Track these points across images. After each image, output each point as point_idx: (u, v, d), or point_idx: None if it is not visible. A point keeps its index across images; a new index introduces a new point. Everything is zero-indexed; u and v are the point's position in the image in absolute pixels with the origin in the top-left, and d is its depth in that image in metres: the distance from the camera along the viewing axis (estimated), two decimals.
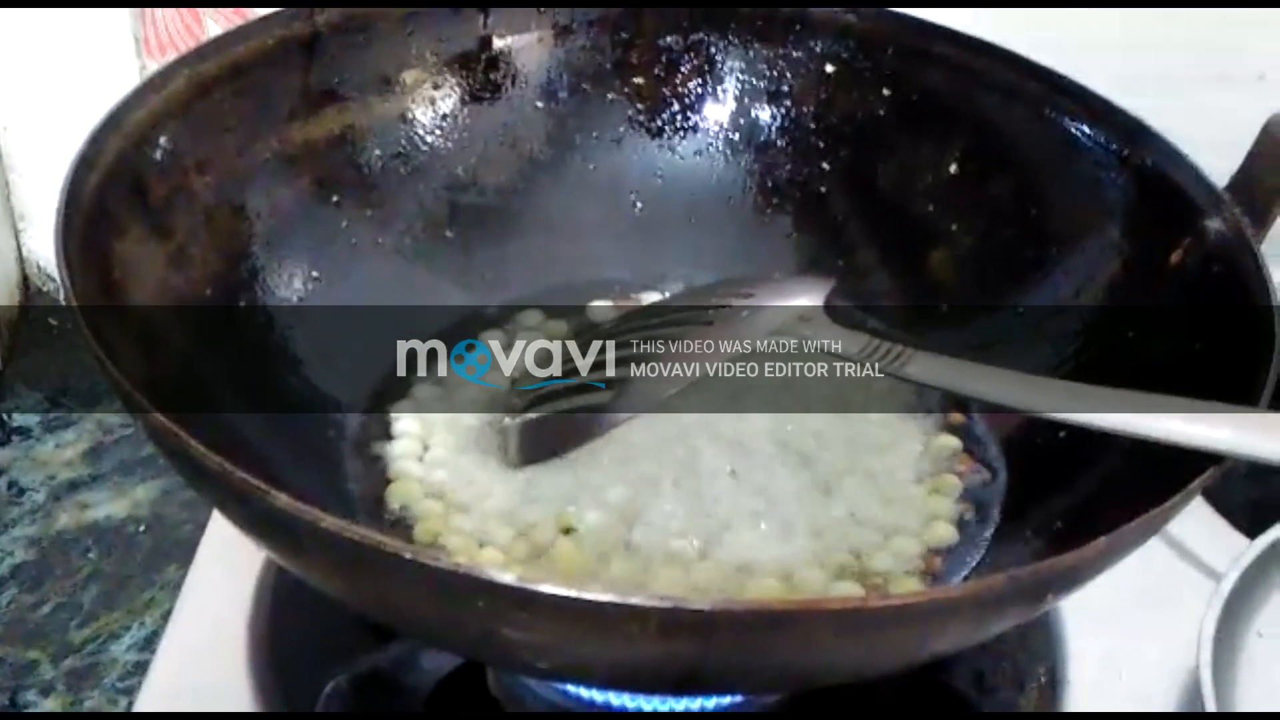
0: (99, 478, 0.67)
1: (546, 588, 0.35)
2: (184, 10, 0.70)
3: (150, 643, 0.58)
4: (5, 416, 0.70)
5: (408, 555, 0.35)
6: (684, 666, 0.38)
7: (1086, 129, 0.55)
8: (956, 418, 0.55)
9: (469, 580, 0.35)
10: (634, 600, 0.35)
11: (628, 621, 0.35)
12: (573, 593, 0.35)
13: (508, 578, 0.35)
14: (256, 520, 0.39)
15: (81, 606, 0.60)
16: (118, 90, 0.50)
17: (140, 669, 0.56)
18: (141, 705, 0.51)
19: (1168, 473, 0.42)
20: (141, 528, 0.64)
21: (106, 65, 0.71)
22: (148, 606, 0.60)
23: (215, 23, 0.70)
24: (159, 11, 0.70)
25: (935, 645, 0.40)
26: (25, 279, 0.76)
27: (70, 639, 0.59)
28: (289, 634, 0.52)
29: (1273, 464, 0.41)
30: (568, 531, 0.49)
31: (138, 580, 0.62)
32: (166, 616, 0.56)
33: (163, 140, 0.49)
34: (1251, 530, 0.55)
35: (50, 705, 0.56)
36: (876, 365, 0.50)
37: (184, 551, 0.60)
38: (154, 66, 0.69)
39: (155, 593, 0.61)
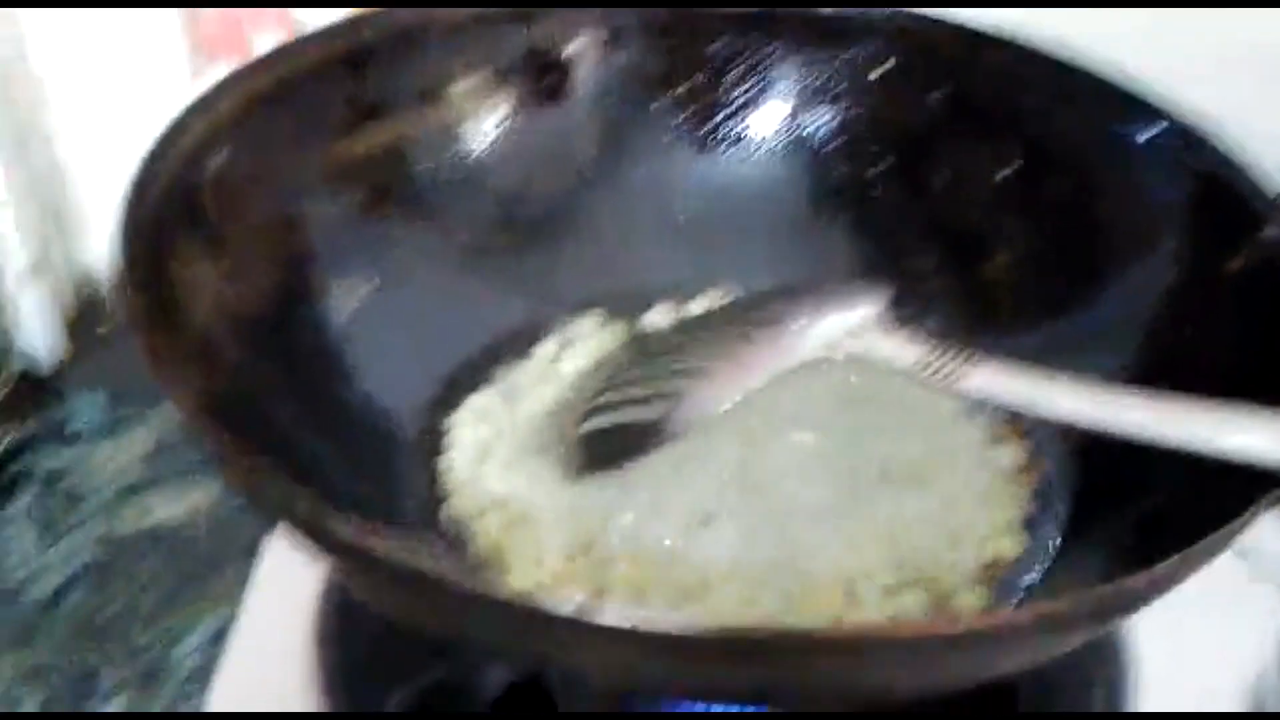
0: (158, 481, 0.67)
1: (605, 619, 0.35)
2: (229, 15, 0.70)
3: (212, 645, 0.58)
4: (66, 420, 0.70)
5: (469, 587, 0.36)
6: (743, 688, 0.38)
7: (1144, 133, 0.54)
8: (1020, 426, 0.54)
9: (528, 611, 0.36)
10: (693, 630, 0.35)
11: (687, 648, 0.35)
12: (631, 623, 0.35)
13: (567, 609, 0.35)
14: (320, 546, 0.39)
15: (142, 611, 0.61)
16: (169, 93, 0.51)
17: (201, 673, 0.57)
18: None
19: (1239, 484, 0.41)
20: (202, 530, 0.64)
21: (158, 68, 0.71)
22: (208, 611, 0.61)
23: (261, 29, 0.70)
24: (205, 17, 0.70)
25: (996, 669, 0.40)
26: (83, 283, 0.77)
27: (133, 642, 0.59)
28: (353, 641, 0.52)
29: None
30: (618, 546, 0.49)
31: (197, 584, 0.62)
32: (227, 619, 0.57)
33: (215, 159, 0.50)
34: None
35: (115, 709, 0.57)
36: (933, 379, 0.50)
37: (242, 554, 0.61)
38: (204, 67, 0.70)
39: (216, 595, 0.61)
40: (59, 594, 0.62)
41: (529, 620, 0.35)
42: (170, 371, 0.42)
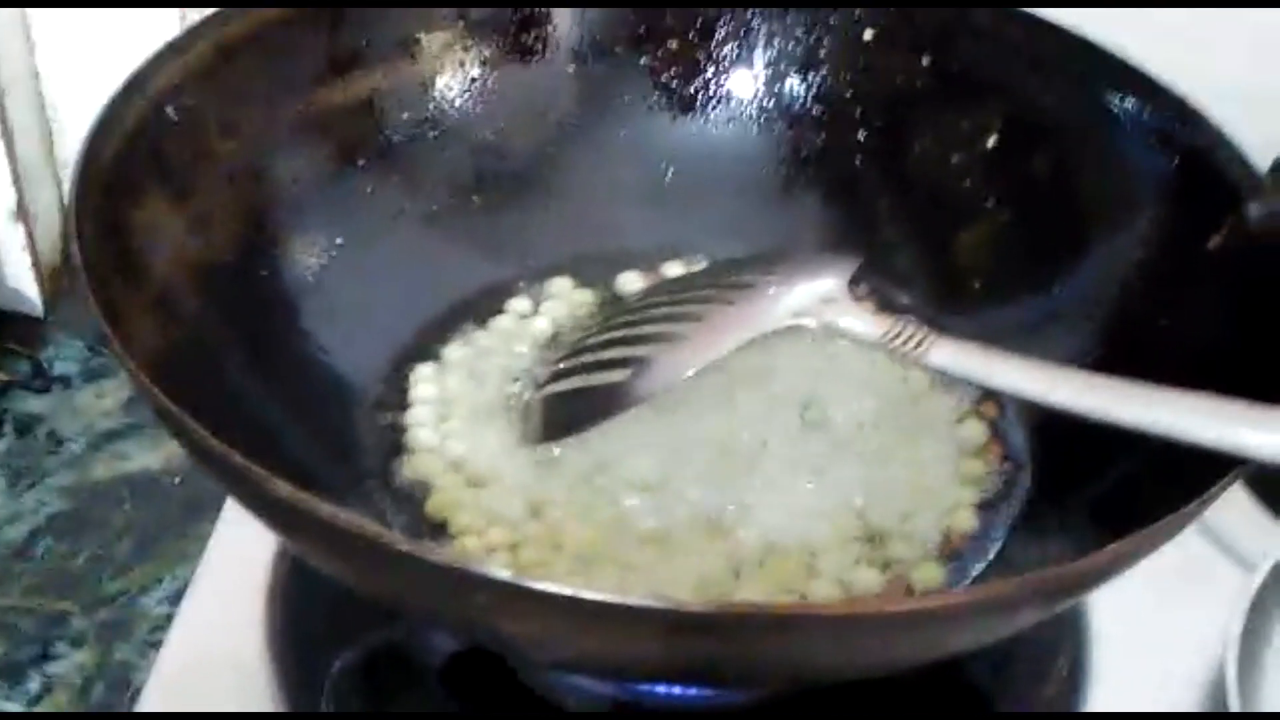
0: (136, 428, 0.67)
1: (543, 586, 0.35)
2: None
3: (180, 597, 0.58)
4: (46, 365, 0.70)
5: (403, 548, 0.35)
6: (686, 665, 0.38)
7: (1129, 105, 0.53)
8: (987, 401, 0.53)
9: (466, 575, 0.35)
10: (633, 601, 0.35)
11: (628, 621, 0.35)
12: (570, 591, 0.35)
13: (504, 574, 0.35)
14: (256, 504, 0.39)
15: (114, 558, 0.61)
16: (159, 38, 0.50)
17: (170, 623, 0.57)
18: (159, 670, 0.51)
19: (1197, 468, 0.41)
20: (177, 480, 0.64)
21: (149, 15, 0.70)
22: (180, 560, 0.61)
23: None
24: None
25: (945, 648, 0.39)
26: (68, 226, 0.77)
27: (103, 590, 0.59)
28: (307, 599, 0.52)
29: None
30: (573, 511, 0.49)
31: (171, 533, 0.62)
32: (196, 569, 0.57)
33: (185, 105, 0.49)
34: None
35: (81, 657, 0.57)
36: (899, 352, 0.49)
37: (217, 505, 0.60)
38: (194, 16, 0.69)
39: (188, 546, 0.61)
40: (31, 539, 0.61)
41: (461, 585, 0.35)
42: (122, 322, 0.41)
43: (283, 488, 0.36)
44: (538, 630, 0.38)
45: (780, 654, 0.37)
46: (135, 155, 0.47)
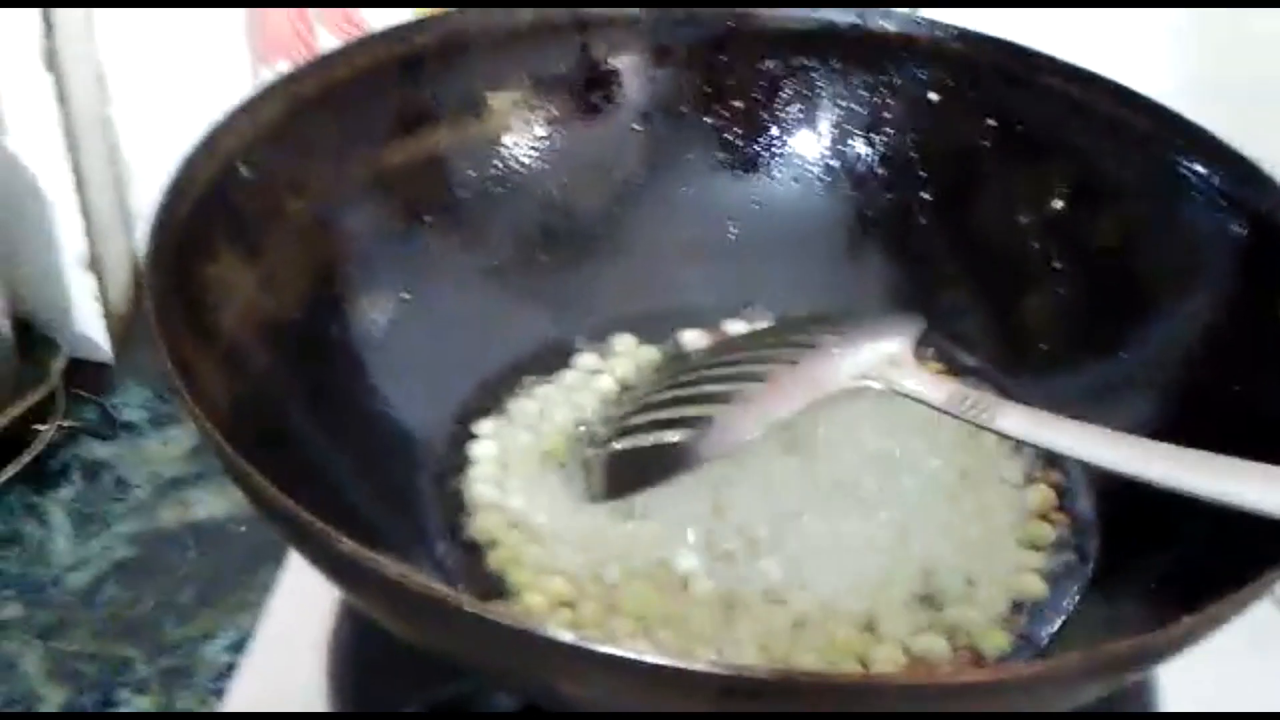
0: (202, 475, 0.67)
1: (604, 648, 0.35)
2: (297, 17, 0.70)
3: (243, 645, 0.58)
4: (113, 411, 0.71)
5: (465, 607, 0.35)
6: None
7: (1198, 169, 0.53)
8: (1055, 467, 0.53)
9: (526, 636, 0.35)
10: (694, 665, 0.35)
11: (688, 685, 0.35)
12: (631, 654, 0.35)
13: (564, 635, 0.35)
14: (320, 559, 0.39)
15: (178, 605, 0.61)
16: (229, 91, 0.51)
17: (230, 672, 0.57)
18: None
19: (1268, 538, 0.40)
20: (242, 528, 0.65)
21: (221, 67, 0.71)
22: (243, 608, 0.61)
23: (326, 30, 0.70)
24: (270, 16, 0.70)
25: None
26: (138, 276, 0.78)
27: (166, 637, 0.60)
28: (368, 653, 0.52)
29: None
30: (636, 570, 0.49)
31: (235, 581, 0.62)
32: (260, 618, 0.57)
33: (256, 163, 0.50)
34: None
35: (143, 704, 0.57)
36: (963, 417, 0.49)
37: (281, 553, 0.61)
38: (266, 73, 0.70)
39: (251, 594, 0.61)
40: (96, 585, 0.62)
41: (521, 645, 0.35)
42: (193, 380, 0.42)
43: (346, 544, 0.36)
44: (597, 692, 0.38)
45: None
46: (208, 213, 0.47)
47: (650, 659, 0.34)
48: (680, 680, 0.35)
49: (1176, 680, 0.52)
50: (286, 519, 0.38)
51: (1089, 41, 0.57)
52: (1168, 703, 0.52)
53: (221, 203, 0.48)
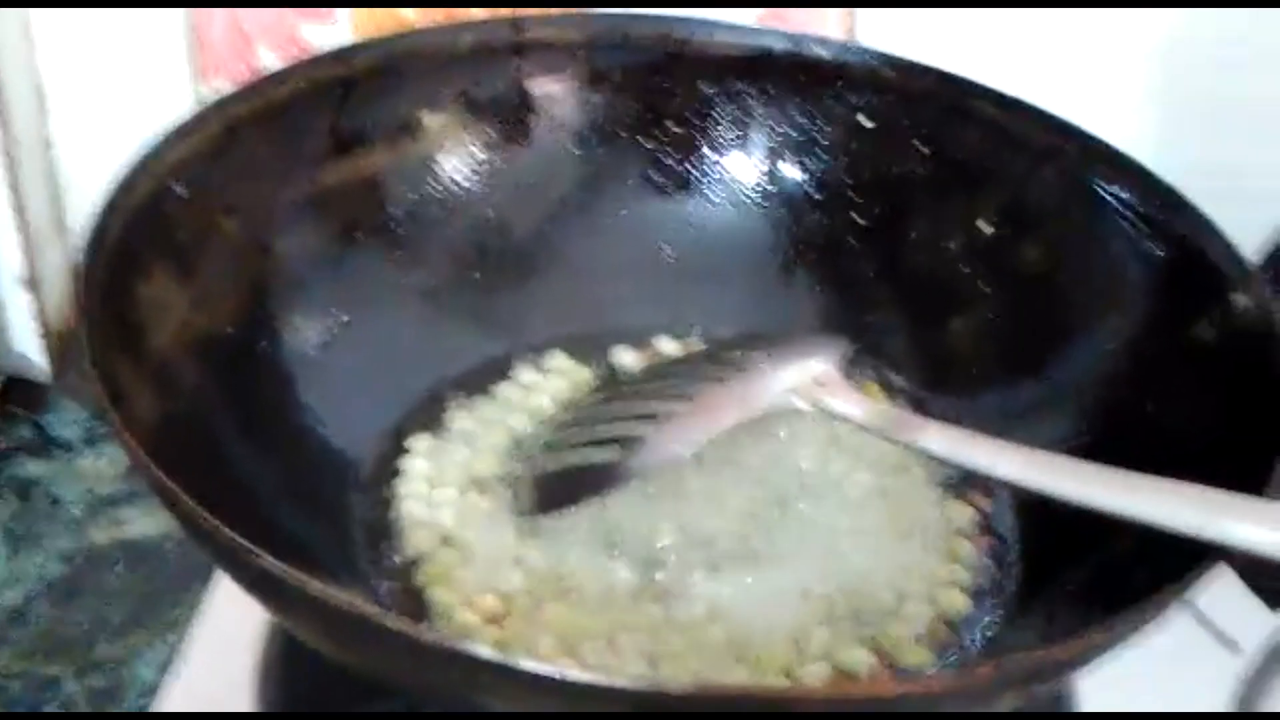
0: (136, 494, 0.67)
1: (527, 665, 0.35)
2: (238, 36, 0.70)
3: (173, 662, 0.58)
4: (48, 429, 0.71)
5: (388, 624, 0.36)
6: None
7: (1120, 194, 0.54)
8: (978, 484, 0.54)
9: (449, 653, 0.36)
10: (612, 682, 0.35)
11: (612, 702, 0.35)
12: (551, 671, 0.35)
13: (487, 653, 0.35)
14: (243, 578, 0.39)
15: (109, 624, 0.61)
16: (169, 110, 0.51)
17: (160, 689, 0.57)
18: None
19: (1182, 554, 0.41)
20: (174, 546, 0.64)
21: (161, 85, 0.71)
22: (173, 627, 0.61)
23: (268, 49, 0.70)
24: (211, 35, 0.70)
25: None
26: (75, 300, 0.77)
27: (95, 656, 0.60)
28: (297, 672, 0.52)
29: (1273, 559, 0.40)
30: (565, 587, 0.49)
31: (166, 600, 0.62)
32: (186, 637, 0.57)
33: (192, 182, 0.50)
34: (1275, 599, 0.54)
35: None
36: (887, 435, 0.50)
37: (213, 571, 0.61)
38: (206, 91, 0.70)
39: (182, 613, 0.61)
40: (27, 603, 0.62)
41: (445, 662, 0.35)
42: (121, 396, 0.42)
43: (268, 562, 0.36)
44: (523, 708, 0.38)
45: None
46: (142, 231, 0.48)
47: (571, 676, 0.35)
48: (600, 696, 0.35)
49: (1096, 692, 0.53)
50: (210, 536, 0.38)
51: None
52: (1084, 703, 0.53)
53: (156, 221, 0.49)
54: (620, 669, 0.46)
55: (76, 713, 0.55)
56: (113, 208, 0.47)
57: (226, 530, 0.37)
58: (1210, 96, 0.64)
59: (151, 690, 0.57)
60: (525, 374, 0.58)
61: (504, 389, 0.57)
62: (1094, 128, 0.55)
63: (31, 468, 0.68)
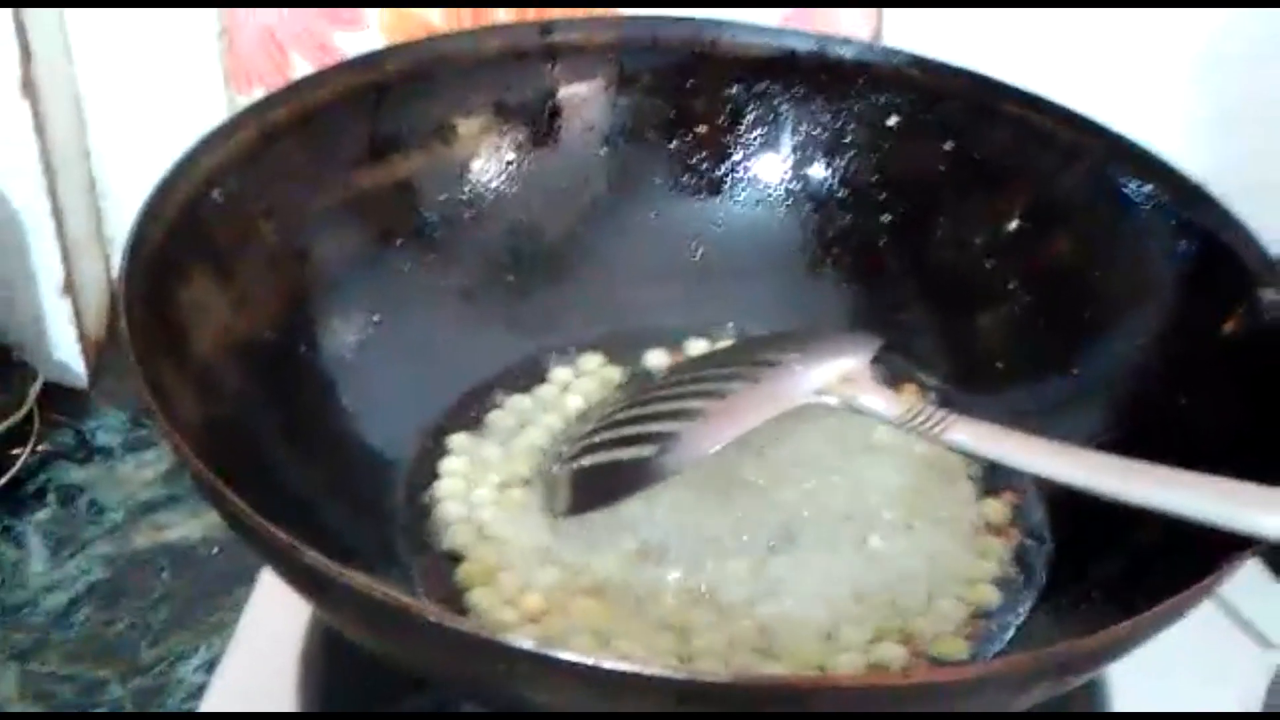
0: (176, 499, 0.68)
1: (563, 655, 0.36)
2: (270, 44, 0.71)
3: (216, 665, 0.59)
4: (88, 436, 0.71)
5: (428, 617, 0.36)
6: None
7: (1146, 190, 0.54)
8: (1008, 478, 0.54)
9: (487, 645, 0.36)
10: (650, 671, 0.36)
11: (647, 691, 0.36)
12: (590, 660, 0.36)
13: (524, 644, 0.36)
14: (289, 573, 0.40)
15: (152, 627, 0.62)
16: (204, 119, 0.52)
17: (203, 693, 0.57)
18: None
19: (1212, 547, 0.41)
20: (215, 550, 0.65)
21: (196, 95, 0.72)
22: (216, 630, 0.61)
23: (300, 57, 0.71)
24: (244, 44, 0.71)
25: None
26: (114, 301, 0.78)
27: (140, 659, 0.60)
28: (340, 669, 0.53)
29: None
30: (599, 584, 0.50)
31: (208, 603, 0.63)
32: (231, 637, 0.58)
33: (229, 188, 0.51)
34: None
35: None
36: (917, 431, 0.50)
37: (254, 575, 0.61)
38: (241, 100, 0.71)
39: (224, 615, 0.62)
40: (71, 607, 0.62)
41: (483, 654, 0.36)
42: (166, 401, 0.43)
43: (313, 556, 0.37)
44: (559, 700, 0.38)
45: None
46: (182, 237, 0.49)
47: (608, 665, 0.36)
48: (638, 685, 0.36)
49: (1129, 686, 0.53)
50: (257, 534, 0.39)
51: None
52: (1116, 704, 0.53)
53: (195, 227, 0.49)
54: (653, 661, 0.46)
55: (125, 713, 0.56)
56: (153, 212, 0.48)
57: (271, 527, 0.37)
58: (1246, 97, 0.64)
59: (196, 693, 0.58)
60: (560, 374, 0.58)
61: (540, 389, 0.58)
62: (1125, 127, 0.55)
63: (72, 473, 0.69)
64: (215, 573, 0.64)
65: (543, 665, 0.36)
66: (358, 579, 0.36)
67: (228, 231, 0.51)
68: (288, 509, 0.43)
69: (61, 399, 0.73)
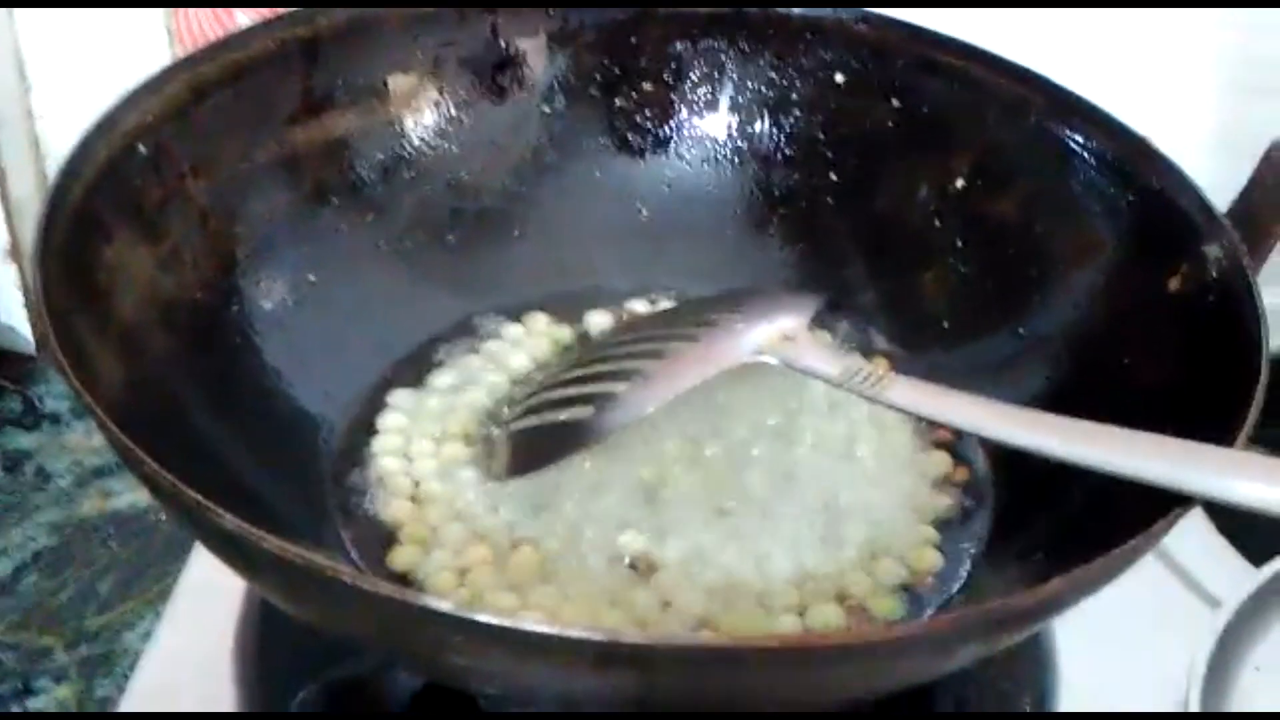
0: (122, 466, 0.67)
1: (480, 616, 0.35)
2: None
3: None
4: (37, 402, 0.71)
5: (345, 580, 0.36)
6: (628, 695, 0.38)
7: (1091, 145, 0.54)
8: (945, 435, 0.54)
9: (404, 607, 0.35)
10: (568, 633, 0.35)
11: (565, 653, 0.35)
12: (508, 622, 0.35)
13: (443, 606, 0.35)
14: (209, 539, 0.39)
15: (98, 594, 0.61)
16: None
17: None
18: (127, 701, 0.51)
19: (1149, 505, 0.41)
20: (162, 517, 0.65)
21: (140, 55, 0.71)
22: (162, 597, 0.61)
23: (247, 16, 0.70)
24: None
25: (881, 683, 0.39)
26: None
27: (86, 626, 0.60)
28: (275, 635, 0.52)
29: (1241, 508, 0.40)
30: (537, 547, 0.49)
31: (154, 570, 0.63)
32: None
33: (157, 144, 0.50)
34: (1257, 556, 0.54)
35: (62, 692, 0.57)
36: (857, 390, 0.49)
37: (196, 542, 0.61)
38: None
39: (170, 583, 0.61)
40: (16, 574, 0.62)
41: (403, 616, 0.35)
42: (85, 361, 0.42)
43: (231, 521, 0.36)
44: (480, 662, 0.38)
45: (713, 687, 0.37)
46: (105, 192, 0.47)
47: (526, 626, 0.35)
48: (557, 647, 0.35)
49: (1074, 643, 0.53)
50: (172, 496, 0.38)
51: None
52: (1064, 666, 0.53)
53: (118, 183, 0.48)
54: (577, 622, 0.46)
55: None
56: (74, 167, 0.46)
57: (188, 490, 0.37)
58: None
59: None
60: (504, 334, 0.58)
61: (483, 348, 0.57)
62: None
63: (20, 439, 0.69)
64: (163, 541, 0.64)
65: (460, 627, 0.35)
66: (271, 542, 0.35)
67: (154, 189, 0.50)
68: (214, 473, 0.43)
69: (8, 364, 0.72)
